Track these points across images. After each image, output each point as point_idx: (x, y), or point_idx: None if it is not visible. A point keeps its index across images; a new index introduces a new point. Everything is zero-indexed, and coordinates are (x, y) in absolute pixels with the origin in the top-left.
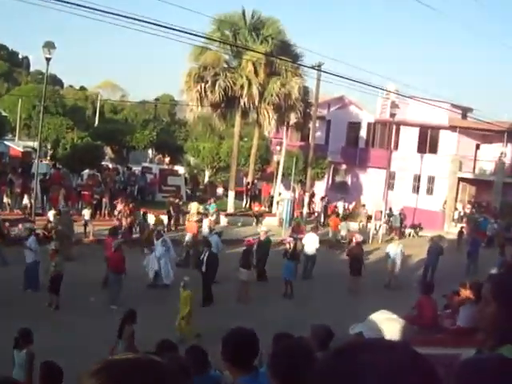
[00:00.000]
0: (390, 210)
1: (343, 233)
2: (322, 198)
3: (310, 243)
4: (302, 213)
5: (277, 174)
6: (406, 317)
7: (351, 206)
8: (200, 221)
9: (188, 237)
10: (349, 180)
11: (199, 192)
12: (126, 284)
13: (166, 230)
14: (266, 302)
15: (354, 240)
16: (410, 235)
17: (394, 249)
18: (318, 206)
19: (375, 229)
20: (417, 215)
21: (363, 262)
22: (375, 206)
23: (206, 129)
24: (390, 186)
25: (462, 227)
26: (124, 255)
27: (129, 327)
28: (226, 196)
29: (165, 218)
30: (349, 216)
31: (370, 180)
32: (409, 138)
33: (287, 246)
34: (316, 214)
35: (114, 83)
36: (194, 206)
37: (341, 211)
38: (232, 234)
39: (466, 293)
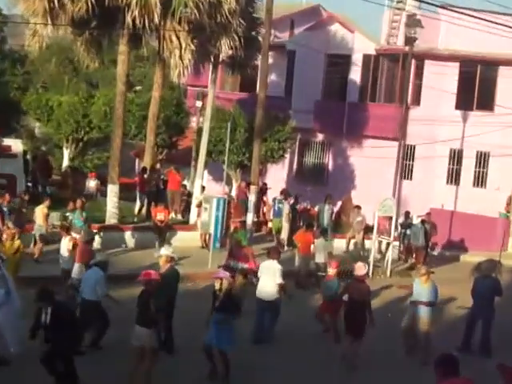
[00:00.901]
0: (407, 215)
1: (319, 259)
2: (286, 197)
3: (268, 279)
4: (244, 223)
5: (197, 152)
6: None
7: (334, 209)
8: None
9: (76, 270)
10: (329, 162)
11: (52, 186)
12: None
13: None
14: None
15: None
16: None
17: (422, 289)
18: (283, 209)
19: (380, 251)
20: (456, 225)
21: (371, 310)
22: (379, 208)
23: (64, 69)
24: (405, 171)
25: None
26: None
27: None
28: (104, 193)
29: None
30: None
31: (369, 162)
32: (441, 82)
33: (216, 284)
34: (270, 226)
35: None
36: (38, 212)
37: (325, 222)
38: (118, 263)
39: None
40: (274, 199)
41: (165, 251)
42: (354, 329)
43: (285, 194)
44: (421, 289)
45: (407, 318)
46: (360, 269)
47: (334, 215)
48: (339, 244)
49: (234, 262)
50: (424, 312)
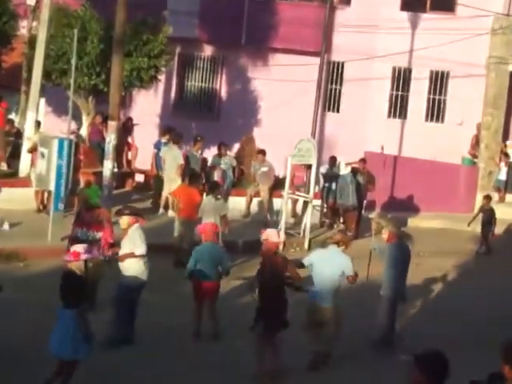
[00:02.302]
0: (332, 162)
1: (213, 218)
2: (177, 140)
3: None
4: (100, 174)
5: (30, 71)
6: None
7: (229, 157)
8: None
9: None
10: (222, 86)
11: None
12: None
13: None
14: None
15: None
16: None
17: (325, 262)
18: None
19: (294, 214)
20: (402, 175)
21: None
22: (293, 154)
23: None
24: (330, 100)
25: (484, 200)
26: None
27: None
28: None
29: None
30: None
31: (278, 86)
32: None
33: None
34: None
35: None
36: None
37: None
38: None
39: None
40: (159, 142)
41: None
42: (271, 317)
43: (172, 135)
44: (328, 265)
45: (310, 312)
46: (271, 236)
47: (235, 172)
48: (237, 203)
49: (83, 230)
50: (326, 293)
